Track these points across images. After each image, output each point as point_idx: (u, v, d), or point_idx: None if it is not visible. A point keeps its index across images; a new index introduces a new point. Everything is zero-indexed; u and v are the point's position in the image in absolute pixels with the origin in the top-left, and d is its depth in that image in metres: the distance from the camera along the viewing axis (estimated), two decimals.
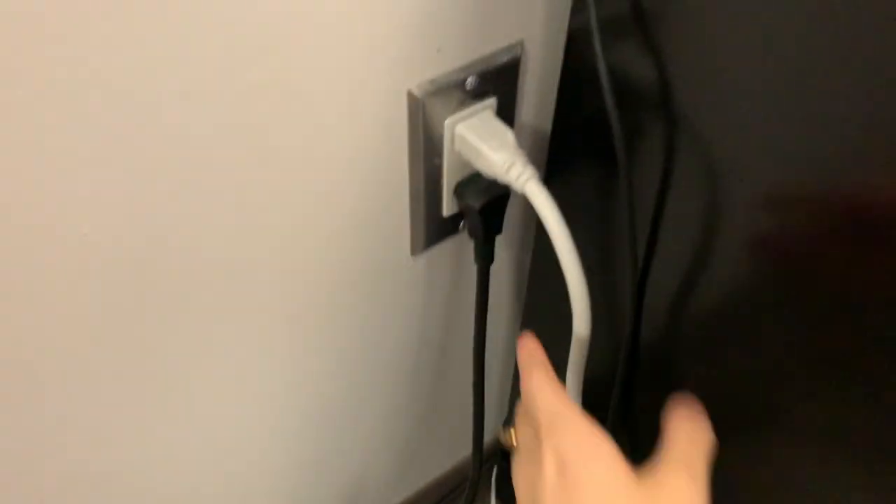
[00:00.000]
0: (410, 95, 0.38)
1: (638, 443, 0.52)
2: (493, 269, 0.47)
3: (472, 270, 0.48)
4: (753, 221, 0.36)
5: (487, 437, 0.58)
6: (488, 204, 0.44)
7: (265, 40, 0.31)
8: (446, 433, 0.67)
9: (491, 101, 0.41)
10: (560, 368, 0.43)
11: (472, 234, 0.46)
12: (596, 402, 0.46)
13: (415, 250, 0.47)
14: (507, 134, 0.40)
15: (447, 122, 0.40)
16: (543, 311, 0.57)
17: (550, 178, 0.48)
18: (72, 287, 0.33)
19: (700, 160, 0.38)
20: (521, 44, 0.41)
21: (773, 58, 0.32)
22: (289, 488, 0.57)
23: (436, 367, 0.59)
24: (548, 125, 0.46)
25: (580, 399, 0.47)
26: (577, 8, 0.39)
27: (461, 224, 0.47)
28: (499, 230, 0.46)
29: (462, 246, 0.51)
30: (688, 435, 0.33)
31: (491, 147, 0.39)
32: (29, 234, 0.30)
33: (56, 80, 0.27)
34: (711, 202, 0.38)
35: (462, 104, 0.40)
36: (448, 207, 0.45)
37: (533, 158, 0.48)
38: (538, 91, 0.45)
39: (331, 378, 0.51)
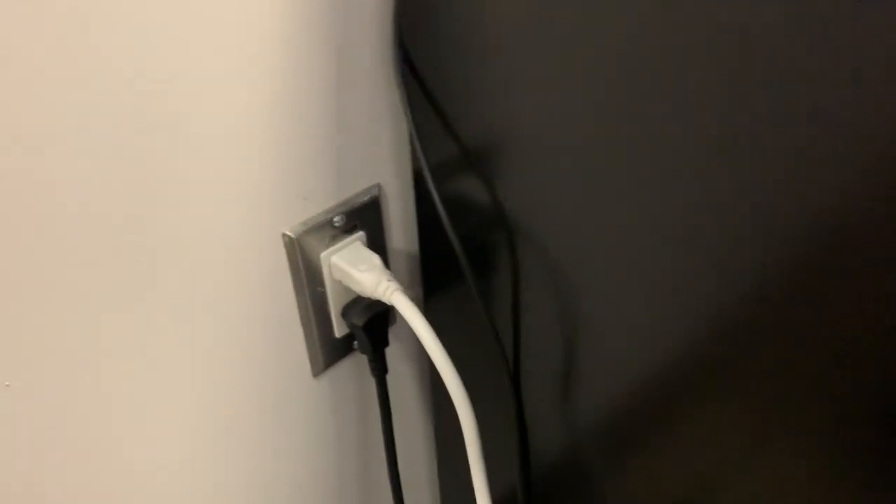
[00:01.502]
0: (285, 237, 0.45)
1: None
2: (402, 378, 0.53)
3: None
4: (595, 307, 0.43)
5: None
6: (371, 321, 0.50)
7: (153, 205, 0.39)
8: None
9: (360, 234, 0.49)
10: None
11: (363, 350, 0.53)
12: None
13: (316, 372, 0.53)
14: (374, 258, 0.48)
15: (322, 255, 0.47)
16: (449, 409, 0.62)
17: (429, 294, 0.56)
18: None
19: (537, 263, 0.45)
20: (377, 186, 0.50)
21: (560, 151, 0.41)
22: None
23: (358, 481, 0.63)
24: (417, 249, 0.54)
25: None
26: (415, 155, 0.48)
27: (354, 343, 0.54)
28: (385, 343, 0.52)
29: (363, 363, 0.57)
30: None
31: (360, 270, 0.47)
32: None
33: None
34: (557, 296, 0.46)
35: (334, 239, 0.48)
36: (339, 329, 0.52)
37: (411, 278, 0.56)
38: (403, 221, 0.53)
39: (251, 499, 0.54)
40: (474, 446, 0.49)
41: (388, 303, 0.47)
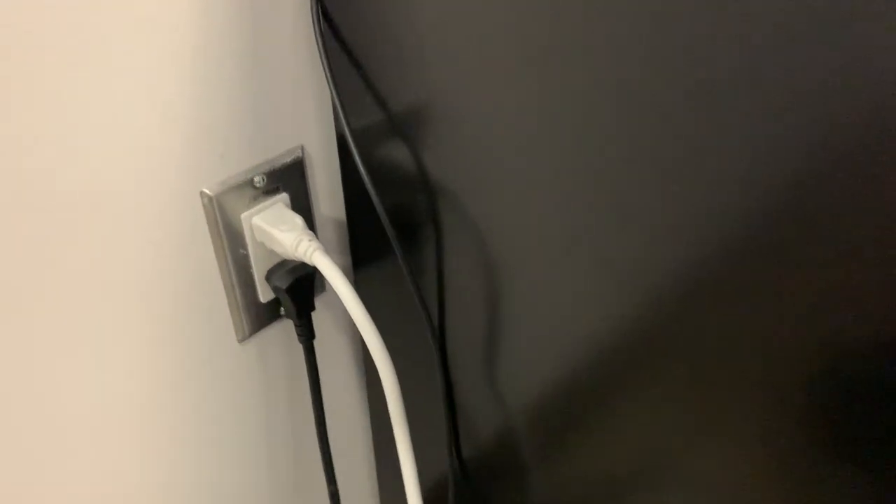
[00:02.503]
0: (203, 195, 0.45)
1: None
2: (335, 346, 0.53)
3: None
4: (510, 273, 0.44)
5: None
6: (295, 284, 0.50)
7: (64, 160, 0.38)
8: None
9: (283, 196, 0.49)
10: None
11: (288, 315, 0.52)
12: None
13: (241, 337, 0.52)
14: (296, 219, 0.48)
15: (244, 216, 0.47)
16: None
17: (358, 262, 0.56)
18: None
19: (459, 223, 0.46)
20: (300, 147, 0.49)
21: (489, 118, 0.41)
22: None
23: (288, 448, 0.62)
24: (344, 214, 0.54)
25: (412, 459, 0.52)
26: (337, 118, 0.48)
27: (282, 309, 0.54)
28: (311, 307, 0.52)
29: (293, 329, 0.56)
30: None
31: (281, 230, 0.47)
32: None
33: None
34: (483, 265, 0.46)
35: (255, 200, 0.48)
36: (263, 294, 0.51)
37: (339, 246, 0.56)
38: (328, 185, 0.53)
39: (177, 470, 0.54)
40: (396, 405, 0.49)
41: (309, 263, 0.47)
